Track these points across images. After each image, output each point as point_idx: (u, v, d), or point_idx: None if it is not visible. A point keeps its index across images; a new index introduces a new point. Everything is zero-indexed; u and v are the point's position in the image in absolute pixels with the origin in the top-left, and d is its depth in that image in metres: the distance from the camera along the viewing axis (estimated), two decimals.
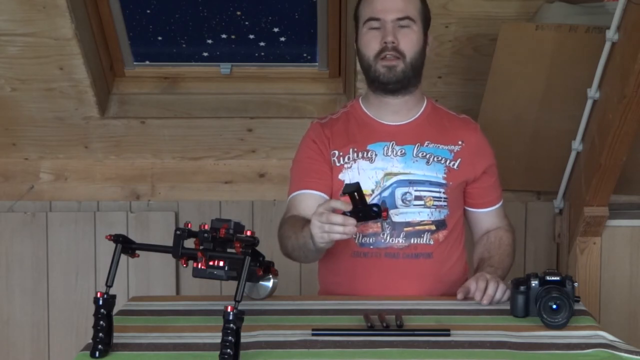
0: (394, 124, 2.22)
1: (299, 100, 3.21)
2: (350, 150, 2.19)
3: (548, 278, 1.84)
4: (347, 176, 2.18)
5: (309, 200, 2.16)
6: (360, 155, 2.18)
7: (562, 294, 1.79)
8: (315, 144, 2.22)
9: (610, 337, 1.73)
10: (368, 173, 2.17)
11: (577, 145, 2.87)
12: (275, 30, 3.11)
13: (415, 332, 1.74)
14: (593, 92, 2.70)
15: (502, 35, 2.70)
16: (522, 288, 1.86)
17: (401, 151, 2.18)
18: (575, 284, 1.84)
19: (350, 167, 2.18)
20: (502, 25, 2.70)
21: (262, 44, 3.17)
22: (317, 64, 3.21)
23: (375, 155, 2.18)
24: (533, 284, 1.84)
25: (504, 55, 2.74)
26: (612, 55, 2.58)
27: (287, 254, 2.16)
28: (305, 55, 3.23)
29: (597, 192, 2.84)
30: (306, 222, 2.00)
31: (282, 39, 3.14)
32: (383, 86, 2.17)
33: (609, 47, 2.57)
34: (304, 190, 2.19)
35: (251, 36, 3.14)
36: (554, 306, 1.78)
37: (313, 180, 2.19)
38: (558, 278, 1.83)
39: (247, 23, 3.10)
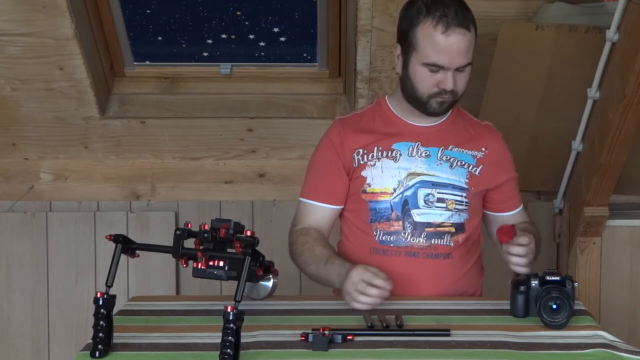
0: (421, 125, 2.22)
1: (299, 100, 3.21)
2: (375, 148, 2.19)
3: (548, 278, 1.84)
4: (370, 174, 2.18)
5: (318, 213, 2.21)
6: (384, 154, 2.19)
7: (562, 294, 1.79)
8: (333, 146, 2.22)
9: (610, 337, 1.73)
10: (391, 172, 2.18)
11: (577, 145, 2.87)
12: (275, 30, 3.11)
13: (415, 332, 1.75)
14: (593, 92, 2.70)
15: (502, 35, 2.70)
16: (522, 288, 1.86)
17: (426, 153, 2.19)
18: (575, 284, 1.85)
19: (374, 165, 2.19)
20: (502, 25, 2.70)
21: (262, 44, 3.17)
22: (317, 64, 3.21)
23: (400, 155, 2.18)
24: (533, 284, 1.85)
25: (504, 55, 2.74)
26: (612, 55, 2.58)
27: (300, 270, 2.20)
28: (305, 55, 3.23)
29: (597, 192, 2.84)
30: (329, 254, 2.09)
31: (282, 39, 3.14)
32: (429, 114, 2.18)
33: (609, 47, 2.57)
34: (314, 202, 2.22)
35: (251, 36, 3.14)
36: (554, 306, 1.78)
37: (321, 192, 2.22)
38: (558, 278, 1.84)
39: (247, 23, 3.10)
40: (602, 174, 2.76)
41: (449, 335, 1.74)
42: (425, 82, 2.11)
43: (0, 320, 3.25)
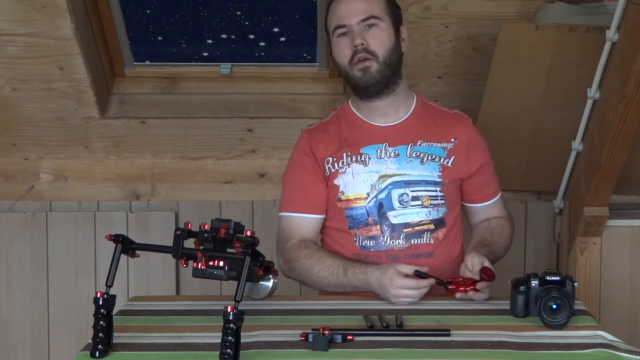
0: (385, 125, 2.23)
1: (299, 100, 3.21)
2: (344, 155, 2.20)
3: (548, 278, 1.84)
4: (342, 181, 2.19)
5: (307, 225, 2.20)
6: (354, 159, 2.19)
7: (562, 294, 1.79)
8: (307, 156, 2.22)
9: (610, 337, 1.73)
10: (363, 177, 2.18)
11: (577, 145, 2.87)
12: (275, 30, 3.11)
13: (415, 332, 1.75)
14: (593, 92, 2.70)
15: (502, 35, 2.70)
16: (522, 288, 1.86)
17: (395, 152, 2.19)
18: (575, 284, 1.85)
19: (345, 171, 2.19)
20: (502, 25, 2.70)
21: (262, 44, 3.17)
22: (317, 64, 3.21)
23: (369, 158, 2.19)
24: (533, 284, 1.84)
25: (504, 55, 2.74)
26: (612, 55, 2.58)
27: (302, 282, 2.20)
28: (305, 55, 3.23)
29: (597, 192, 2.83)
30: (342, 262, 2.09)
31: (282, 39, 3.14)
32: (365, 91, 2.18)
33: (609, 47, 2.57)
34: (299, 214, 2.21)
35: (251, 36, 3.14)
36: (554, 306, 1.78)
37: (307, 202, 2.21)
38: (558, 278, 1.84)
39: (247, 23, 3.10)
40: (602, 174, 2.76)
41: (449, 335, 1.74)
42: (342, 52, 2.17)
43: (0, 320, 3.25)
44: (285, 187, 2.27)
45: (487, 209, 2.31)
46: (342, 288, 2.10)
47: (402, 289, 1.97)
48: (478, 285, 2.00)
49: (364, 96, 2.20)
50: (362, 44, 2.13)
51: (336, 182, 2.19)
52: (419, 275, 1.98)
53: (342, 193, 2.19)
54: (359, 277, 2.05)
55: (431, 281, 1.99)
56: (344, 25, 2.15)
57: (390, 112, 2.23)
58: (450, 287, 1.99)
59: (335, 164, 2.20)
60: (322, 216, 2.22)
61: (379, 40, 2.15)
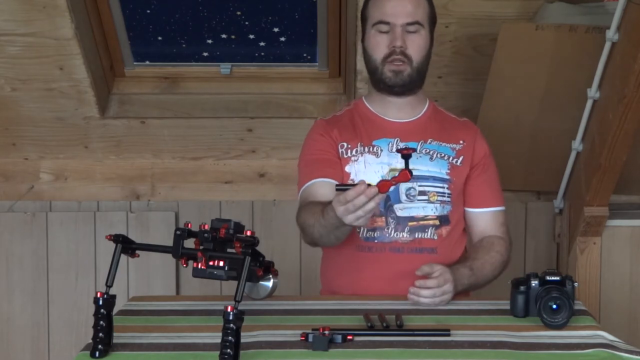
0: (398, 121, 2.25)
1: (299, 100, 3.21)
2: (358, 144, 2.22)
3: (548, 278, 1.84)
4: (354, 169, 2.20)
5: (324, 188, 2.16)
6: (366, 149, 2.21)
7: (562, 294, 1.79)
8: (323, 137, 2.24)
9: (610, 337, 1.73)
10: (374, 167, 2.19)
11: (577, 145, 2.87)
12: (275, 30, 3.11)
13: (415, 332, 1.75)
14: (593, 92, 2.70)
15: (502, 35, 2.70)
16: (522, 288, 1.86)
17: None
18: (575, 284, 1.85)
19: (357, 160, 2.21)
20: (502, 25, 2.70)
21: (262, 44, 3.17)
22: (317, 64, 3.21)
23: (381, 150, 2.21)
24: (533, 284, 1.85)
25: (504, 55, 2.74)
26: (612, 55, 2.58)
27: (313, 242, 2.14)
28: (305, 55, 3.23)
29: (597, 192, 2.84)
30: (324, 205, 2.00)
31: (282, 39, 3.14)
32: (389, 88, 2.22)
33: (609, 47, 2.57)
34: (316, 179, 2.18)
35: (251, 36, 3.14)
36: (554, 306, 1.78)
37: (325, 169, 2.20)
38: (558, 278, 1.84)
39: (247, 23, 3.10)
40: (602, 174, 2.76)
41: (449, 335, 1.74)
42: (378, 46, 2.18)
43: (0, 320, 3.25)
44: (300, 169, 2.27)
45: (483, 218, 2.26)
46: (329, 233, 2.02)
47: (341, 206, 1.84)
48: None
49: (386, 91, 2.23)
50: (402, 47, 2.16)
51: (347, 169, 2.21)
52: (341, 189, 1.86)
53: (352, 181, 2.19)
54: (330, 214, 1.95)
55: (360, 188, 1.81)
56: (388, 23, 2.17)
57: (404, 109, 2.26)
58: (379, 184, 1.83)
59: (349, 151, 2.22)
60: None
61: (417, 46, 2.18)
